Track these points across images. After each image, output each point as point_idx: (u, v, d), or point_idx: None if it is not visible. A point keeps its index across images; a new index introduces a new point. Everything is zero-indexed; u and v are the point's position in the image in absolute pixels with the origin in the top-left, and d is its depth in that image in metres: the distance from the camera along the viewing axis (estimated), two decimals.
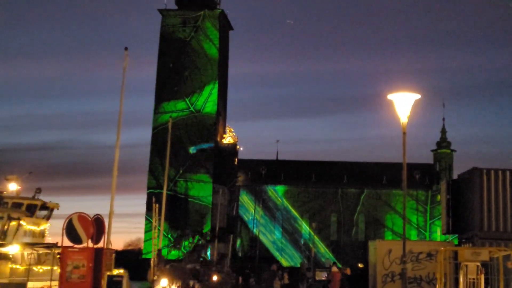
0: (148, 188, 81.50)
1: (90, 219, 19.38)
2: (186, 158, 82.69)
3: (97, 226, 19.74)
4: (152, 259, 33.45)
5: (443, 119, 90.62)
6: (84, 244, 19.53)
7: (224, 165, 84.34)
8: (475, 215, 27.71)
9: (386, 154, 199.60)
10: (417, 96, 15.16)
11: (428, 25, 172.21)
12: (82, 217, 19.31)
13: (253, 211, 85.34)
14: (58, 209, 34.28)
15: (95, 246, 19.72)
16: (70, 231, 19.09)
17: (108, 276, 23.34)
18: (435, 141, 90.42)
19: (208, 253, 70.60)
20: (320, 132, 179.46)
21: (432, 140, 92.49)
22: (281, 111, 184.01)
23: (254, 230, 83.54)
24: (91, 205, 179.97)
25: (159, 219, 32.36)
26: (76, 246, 19.32)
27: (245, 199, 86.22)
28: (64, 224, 19.14)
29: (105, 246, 21.03)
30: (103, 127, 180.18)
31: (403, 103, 15.13)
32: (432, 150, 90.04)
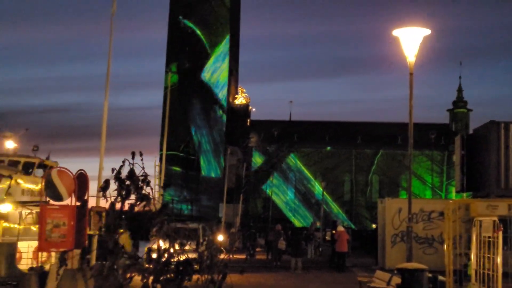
0: (161, 150, 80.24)
1: (71, 175, 17.66)
2: (198, 118, 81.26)
3: (80, 183, 18.03)
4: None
5: (460, 77, 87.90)
6: (66, 202, 17.86)
7: (236, 126, 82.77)
8: (492, 171, 25.78)
9: (401, 114, 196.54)
10: (427, 31, 13.17)
11: None
12: (62, 172, 17.60)
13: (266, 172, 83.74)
14: (56, 167, 32.64)
15: (78, 204, 18.04)
16: (49, 188, 17.41)
17: (99, 235, 21.87)
18: (451, 101, 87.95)
19: (220, 212, 69.39)
20: (334, 93, 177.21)
21: (448, 100, 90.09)
22: (294, 72, 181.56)
23: (267, 191, 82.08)
24: (104, 166, 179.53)
25: (159, 179, 30.74)
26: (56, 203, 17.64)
27: (258, 160, 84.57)
28: (42, 180, 17.49)
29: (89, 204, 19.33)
30: (120, 89, 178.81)
31: (411, 39, 13.14)
32: (448, 110, 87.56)
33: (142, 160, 6.96)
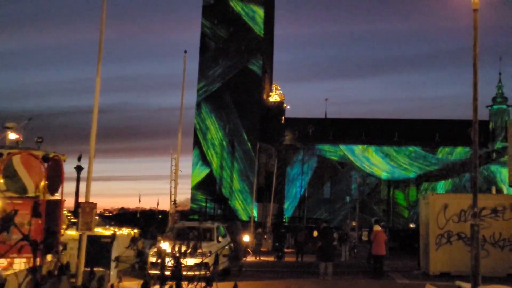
0: (193, 148, 76.84)
1: (39, 161, 13.72)
2: (232, 117, 77.55)
3: (53, 171, 14.09)
4: (170, 219, 28.14)
5: (500, 73, 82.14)
6: (31, 195, 13.95)
7: (271, 123, 78.63)
8: None
9: (438, 113, 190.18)
10: None
11: None
12: (27, 158, 13.67)
13: (300, 170, 79.31)
14: (65, 161, 28.77)
15: (50, 198, 14.11)
16: (10, 177, 13.50)
17: (89, 236, 17.91)
18: (491, 97, 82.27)
19: (255, 212, 65.30)
20: (369, 92, 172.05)
21: (488, 97, 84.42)
22: (329, 72, 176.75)
23: (302, 189, 77.64)
24: (143, 167, 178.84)
25: (174, 175, 26.73)
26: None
27: (292, 158, 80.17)
28: (1, 167, 13.58)
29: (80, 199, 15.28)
30: (157, 89, 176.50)
31: None
32: (487, 106, 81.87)
33: None
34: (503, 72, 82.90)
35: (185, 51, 25.71)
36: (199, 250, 9.97)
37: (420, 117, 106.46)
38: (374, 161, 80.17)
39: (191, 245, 9.46)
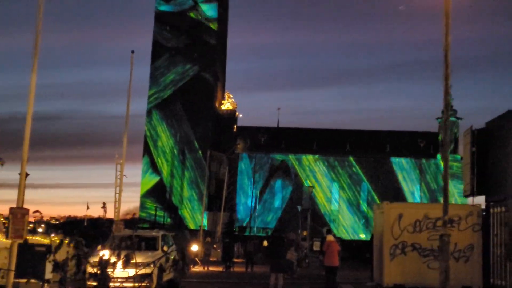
0: (143, 155, 75.04)
1: None
2: (184, 124, 76.08)
3: None
4: (114, 227, 26.71)
5: (450, 86, 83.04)
6: None
7: (223, 132, 77.47)
8: (510, 171, 20.59)
9: (388, 125, 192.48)
10: None
11: None
12: None
13: (252, 179, 78.26)
14: (2, 165, 27.07)
15: None
16: None
17: (20, 244, 16.39)
18: (440, 109, 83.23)
19: (205, 221, 63.90)
20: (322, 103, 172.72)
21: (438, 110, 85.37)
22: (282, 81, 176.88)
23: (253, 199, 76.57)
24: (93, 174, 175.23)
25: (119, 182, 25.32)
26: None
27: (244, 167, 79.08)
28: None
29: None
30: (107, 97, 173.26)
31: None
32: (437, 118, 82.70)
33: None
34: (454, 84, 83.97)
35: (132, 51, 24.46)
36: (133, 261, 8.63)
37: (372, 128, 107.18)
38: (325, 171, 79.67)
39: (122, 255, 8.11)
